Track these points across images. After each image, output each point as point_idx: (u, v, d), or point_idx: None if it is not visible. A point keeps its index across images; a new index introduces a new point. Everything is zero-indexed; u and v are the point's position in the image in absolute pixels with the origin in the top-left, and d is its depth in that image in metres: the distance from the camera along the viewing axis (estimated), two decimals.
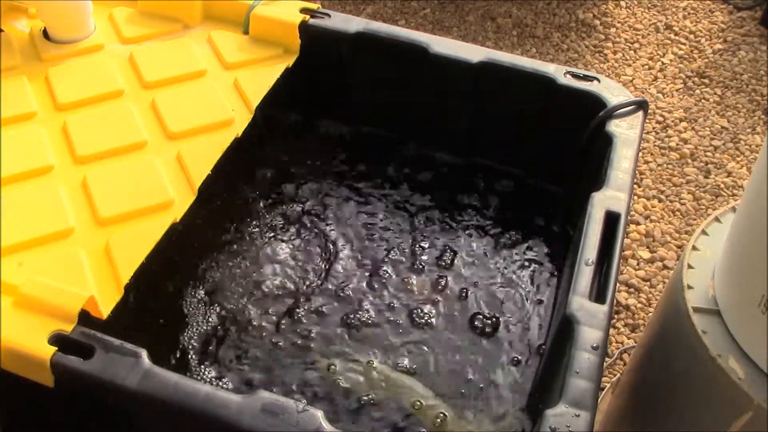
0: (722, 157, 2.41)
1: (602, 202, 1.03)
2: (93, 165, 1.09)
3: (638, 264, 2.09)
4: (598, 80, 1.21)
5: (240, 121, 1.16)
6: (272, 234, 1.25)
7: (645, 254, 2.11)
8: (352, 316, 1.13)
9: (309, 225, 1.26)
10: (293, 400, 0.81)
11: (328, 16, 1.30)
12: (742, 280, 1.06)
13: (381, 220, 1.27)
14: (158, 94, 1.19)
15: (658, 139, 2.46)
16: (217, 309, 1.14)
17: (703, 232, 1.22)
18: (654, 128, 2.50)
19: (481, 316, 1.15)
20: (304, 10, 1.30)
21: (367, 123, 1.39)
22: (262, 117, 1.21)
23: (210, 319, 1.13)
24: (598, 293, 0.93)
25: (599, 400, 1.30)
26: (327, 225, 1.26)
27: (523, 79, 1.23)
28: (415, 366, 1.08)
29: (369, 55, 1.30)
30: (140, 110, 1.17)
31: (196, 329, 1.12)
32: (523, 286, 1.19)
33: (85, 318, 0.88)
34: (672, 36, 2.86)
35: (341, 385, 1.05)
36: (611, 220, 1.01)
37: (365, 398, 1.04)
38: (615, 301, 1.37)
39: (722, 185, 2.32)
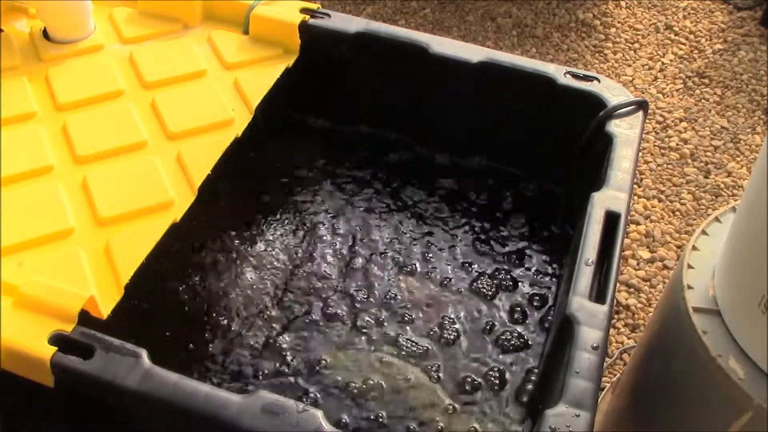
0: (722, 157, 2.41)
1: (602, 202, 1.03)
2: (93, 165, 1.09)
3: (638, 264, 2.09)
4: (598, 80, 1.21)
5: (240, 121, 1.16)
6: (272, 233, 1.25)
7: (645, 254, 2.11)
8: (352, 315, 1.14)
9: (309, 225, 1.26)
10: (293, 400, 0.81)
11: (328, 16, 1.30)
12: (742, 280, 1.06)
13: (380, 220, 1.27)
14: (158, 94, 1.19)
15: (658, 139, 2.46)
16: (218, 308, 1.14)
17: (703, 232, 1.22)
18: (654, 128, 2.50)
19: (480, 316, 1.15)
20: (304, 10, 1.30)
21: (367, 123, 1.39)
22: (262, 117, 1.21)
23: (210, 319, 1.13)
24: (598, 293, 0.93)
25: (599, 400, 1.30)
26: (327, 224, 1.26)
27: (523, 79, 1.23)
28: (418, 363, 1.08)
29: (369, 55, 1.30)
30: (140, 110, 1.17)
31: (196, 329, 1.12)
32: (523, 285, 1.19)
33: (85, 318, 0.88)
34: (672, 36, 2.86)
35: (343, 379, 1.05)
36: (611, 220, 1.01)
37: (369, 392, 1.04)
38: (615, 301, 1.37)
39: (722, 185, 2.32)
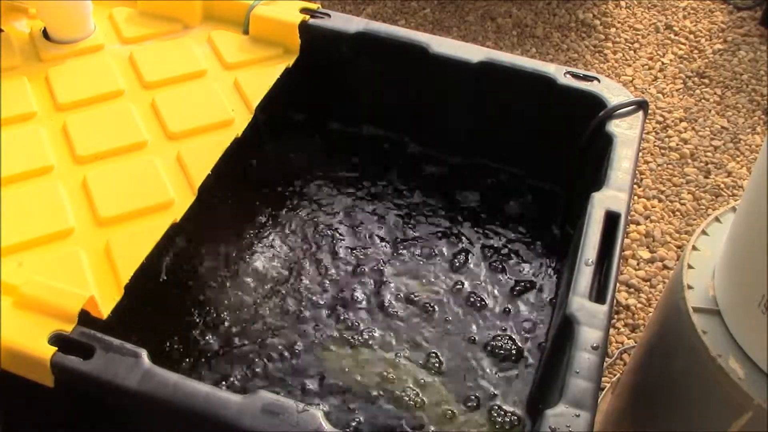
0: (722, 157, 2.41)
1: (602, 202, 1.03)
2: (93, 165, 1.09)
3: (638, 264, 2.09)
4: (598, 80, 1.21)
5: (240, 121, 1.16)
6: (272, 234, 1.25)
7: (645, 254, 2.11)
8: (355, 316, 1.13)
9: (309, 224, 1.26)
10: (293, 400, 0.81)
11: (328, 16, 1.30)
12: (742, 280, 1.06)
13: (380, 220, 1.27)
14: (158, 94, 1.19)
15: (658, 139, 2.46)
16: (219, 308, 1.14)
17: (703, 232, 1.22)
18: (654, 128, 2.50)
19: (481, 315, 1.15)
20: (304, 10, 1.30)
21: (367, 123, 1.39)
22: (262, 117, 1.21)
23: (211, 319, 1.13)
24: (598, 293, 0.93)
25: (599, 400, 1.30)
26: (327, 224, 1.26)
27: (523, 79, 1.23)
28: (419, 362, 1.08)
29: (369, 55, 1.30)
30: (140, 110, 1.17)
31: (197, 329, 1.12)
32: (523, 285, 1.19)
33: (85, 318, 0.88)
34: (672, 36, 2.86)
35: (345, 381, 1.05)
36: (611, 220, 1.01)
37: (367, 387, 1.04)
38: (615, 301, 1.37)
39: (722, 185, 2.32)
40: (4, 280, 0.92)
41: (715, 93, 2.63)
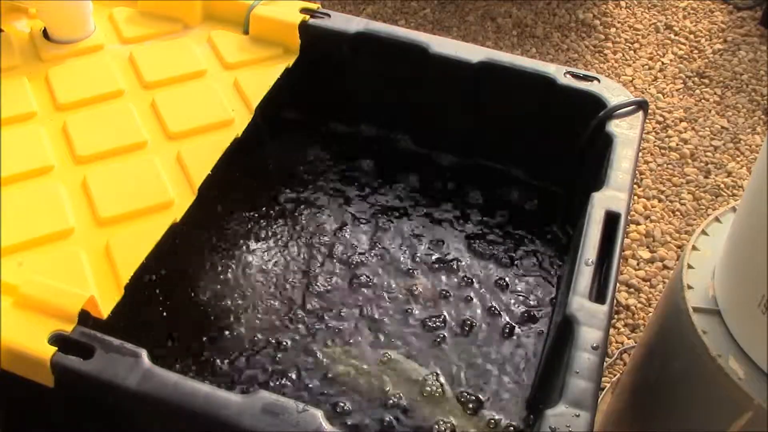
0: (722, 157, 2.41)
1: (602, 202, 1.03)
2: (93, 165, 1.09)
3: (638, 264, 2.09)
4: (598, 80, 1.21)
5: (240, 121, 1.16)
6: (272, 234, 1.25)
7: (645, 254, 2.11)
8: (356, 316, 1.13)
9: (309, 224, 1.26)
10: (293, 400, 0.81)
11: (328, 16, 1.30)
12: (742, 280, 1.06)
13: (380, 220, 1.27)
14: (158, 94, 1.19)
15: (658, 139, 2.46)
16: (219, 308, 1.14)
17: (703, 232, 1.22)
18: (654, 128, 2.50)
19: (480, 316, 1.15)
20: (304, 10, 1.30)
21: (367, 123, 1.39)
22: (262, 117, 1.21)
23: (211, 319, 1.13)
24: (598, 293, 0.93)
25: (599, 400, 1.30)
26: (326, 225, 1.26)
27: (523, 79, 1.23)
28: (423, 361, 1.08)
29: (369, 55, 1.30)
30: (140, 110, 1.17)
31: (197, 328, 1.12)
32: (523, 285, 1.19)
33: (85, 318, 0.88)
34: (672, 36, 2.86)
35: (347, 380, 1.06)
36: (611, 220, 1.01)
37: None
38: (615, 301, 1.37)
39: (722, 185, 2.32)
40: (4, 280, 0.92)
41: (715, 93, 2.63)
